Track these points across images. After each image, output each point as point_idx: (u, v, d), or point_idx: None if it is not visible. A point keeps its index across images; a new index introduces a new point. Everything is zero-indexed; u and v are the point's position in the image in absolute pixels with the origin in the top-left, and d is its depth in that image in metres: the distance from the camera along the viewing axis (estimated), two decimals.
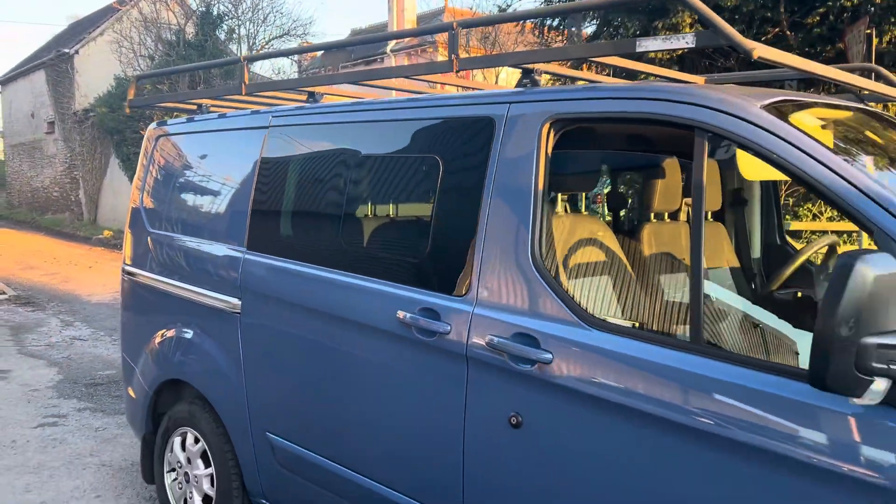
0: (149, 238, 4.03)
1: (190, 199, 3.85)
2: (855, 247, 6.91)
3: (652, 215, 3.23)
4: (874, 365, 1.63)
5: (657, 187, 3.04)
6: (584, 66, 7.59)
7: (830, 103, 2.62)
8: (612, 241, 2.85)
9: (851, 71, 3.44)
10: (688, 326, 2.11)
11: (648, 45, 2.26)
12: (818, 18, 8.44)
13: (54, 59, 23.81)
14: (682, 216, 3.36)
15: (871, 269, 1.60)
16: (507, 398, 2.39)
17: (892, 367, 1.64)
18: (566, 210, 2.93)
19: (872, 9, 7.93)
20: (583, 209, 3.04)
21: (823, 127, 2.29)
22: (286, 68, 26.79)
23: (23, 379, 6.74)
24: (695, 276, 2.09)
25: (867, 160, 2.24)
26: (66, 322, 9.43)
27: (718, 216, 3.67)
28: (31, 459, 4.82)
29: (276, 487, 3.29)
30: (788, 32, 8.65)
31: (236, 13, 19.86)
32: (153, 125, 4.27)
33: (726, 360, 1.98)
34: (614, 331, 2.22)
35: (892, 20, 8.24)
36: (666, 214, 3.30)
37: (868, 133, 2.58)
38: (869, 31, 7.56)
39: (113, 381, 6.66)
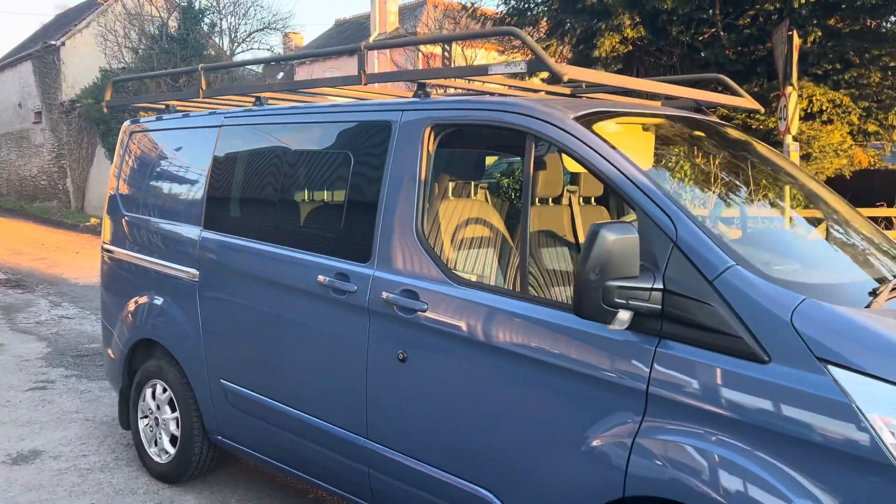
0: (124, 220, 4.71)
1: (158, 186, 4.54)
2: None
3: (537, 200, 3.94)
4: (616, 300, 2.35)
5: (540, 178, 3.74)
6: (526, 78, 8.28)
7: (642, 112, 3.31)
8: (493, 220, 3.56)
9: (705, 81, 4.14)
10: (518, 282, 2.83)
11: (496, 69, 2.97)
12: (749, 20, 9.15)
13: (41, 51, 24.30)
14: (565, 201, 4.07)
15: (611, 234, 2.31)
16: (396, 340, 3.10)
17: (631, 302, 2.36)
18: (454, 195, 3.63)
19: (796, 13, 8.63)
20: (472, 195, 3.71)
21: (620, 133, 2.99)
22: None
23: (15, 351, 7.41)
24: (522, 245, 2.80)
25: (645, 157, 2.96)
26: (54, 303, 10.08)
27: (603, 201, 4.37)
28: (23, 416, 5.50)
29: (229, 424, 3.99)
30: (722, 33, 9.36)
31: (218, 7, 20.47)
32: (127, 122, 4.94)
33: (535, 301, 2.71)
34: (471, 286, 2.93)
35: (815, 23, 8.96)
36: (550, 199, 4.01)
37: (662, 136, 3.30)
38: (790, 32, 8.28)
39: (97, 353, 7.33)
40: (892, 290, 2.56)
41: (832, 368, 2.14)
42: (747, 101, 4.00)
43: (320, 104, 3.82)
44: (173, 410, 4.33)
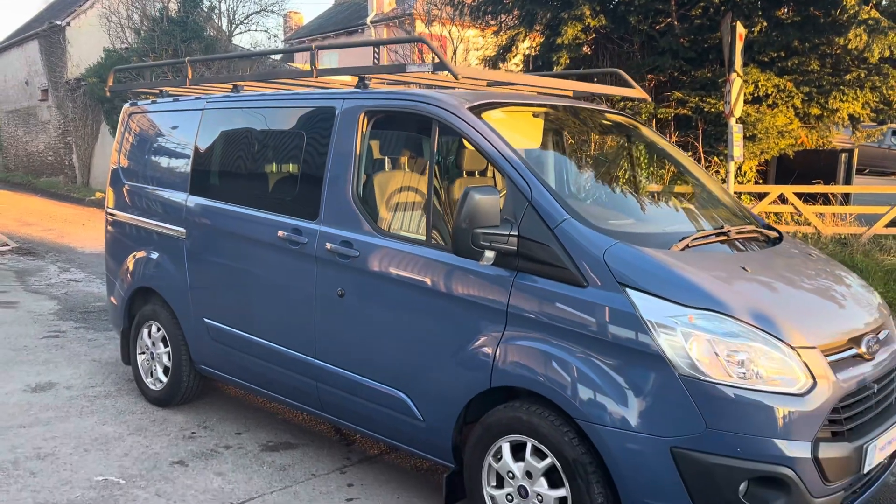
0: (124, 188, 5.57)
1: (153, 159, 5.39)
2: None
3: (464, 172, 4.77)
4: (482, 243, 3.21)
5: (464, 154, 4.57)
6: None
7: (530, 102, 4.15)
8: (419, 187, 4.39)
9: (602, 75, 4.96)
10: (426, 232, 3.68)
11: (410, 68, 3.79)
12: (700, 10, 9.94)
13: (47, 31, 25.06)
14: (489, 174, 4.90)
15: (477, 194, 3.17)
16: (336, 280, 3.96)
17: (493, 244, 3.22)
18: (390, 167, 4.47)
19: (742, 5, 9.41)
20: (406, 168, 4.54)
21: (508, 119, 3.83)
22: (264, 41, 28.04)
23: (29, 308, 8.31)
24: (427, 204, 3.66)
25: (521, 139, 3.80)
26: (62, 268, 10.98)
27: None
28: (40, 357, 6.40)
29: (211, 355, 4.87)
30: (676, 23, 10.15)
31: None
32: (127, 104, 5.79)
33: (434, 247, 3.57)
34: (391, 237, 3.79)
35: (760, 13, 9.74)
36: (477, 172, 4.84)
37: (549, 120, 4.13)
38: (734, 23, 9.06)
39: (103, 310, 8.22)
40: (696, 239, 3.40)
41: (628, 290, 3.01)
42: (637, 92, 4.81)
43: (282, 92, 4.67)
44: (165, 346, 5.21)
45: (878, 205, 10.26)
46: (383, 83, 5.02)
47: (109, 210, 5.75)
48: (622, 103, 9.72)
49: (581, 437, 3.09)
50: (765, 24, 9.79)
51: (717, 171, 10.37)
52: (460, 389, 3.46)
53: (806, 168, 11.21)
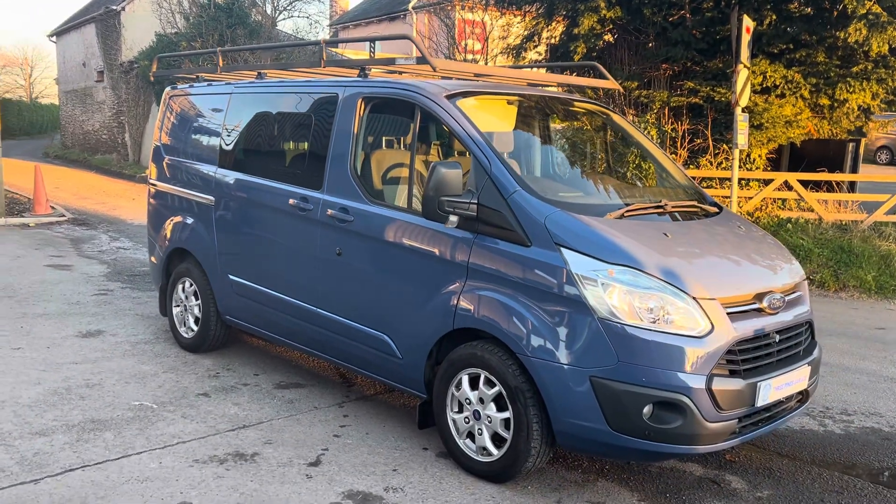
0: (164, 162, 6.36)
1: (188, 136, 6.16)
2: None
3: (442, 151, 5.40)
4: (447, 209, 3.88)
5: (443, 135, 5.22)
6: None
7: (502, 91, 4.77)
8: (406, 163, 5.03)
9: (581, 67, 5.53)
10: (408, 201, 4.36)
11: (399, 62, 4.45)
12: (711, 3, 10.36)
13: (103, 15, 26.28)
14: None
15: (444, 168, 3.83)
16: (335, 241, 4.67)
17: (456, 210, 3.88)
18: (383, 146, 5.14)
19: None
20: (395, 147, 5.16)
21: (482, 107, 4.47)
22: (305, 27, 28.77)
23: (82, 270, 9.23)
24: (409, 178, 4.33)
25: (494, 123, 4.44)
26: (113, 237, 11.95)
27: None
28: (90, 310, 7.27)
29: (234, 306, 5.64)
30: (689, 15, 10.59)
31: None
32: (168, 88, 6.57)
33: (413, 213, 4.24)
34: (381, 205, 4.47)
35: (769, 6, 10.13)
36: (457, 152, 5.47)
37: (522, 107, 4.76)
38: (741, 16, 9.49)
39: (146, 274, 9.09)
40: (631, 210, 4.02)
41: (562, 249, 3.65)
42: (611, 84, 5.39)
43: (296, 80, 5.39)
44: (196, 299, 5.99)
45: (884, 193, 10.60)
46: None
47: (151, 181, 6.55)
48: (637, 91, 10.22)
49: (522, 369, 3.75)
50: (774, 16, 10.17)
51: (727, 158, 10.82)
52: (430, 331, 4.14)
53: (817, 157, 11.58)
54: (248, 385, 5.34)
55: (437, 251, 4.10)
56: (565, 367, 3.60)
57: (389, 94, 4.56)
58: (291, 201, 4.94)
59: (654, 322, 3.52)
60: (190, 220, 5.98)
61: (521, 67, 6.41)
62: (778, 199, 10.75)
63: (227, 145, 5.67)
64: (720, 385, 3.53)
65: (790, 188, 10.49)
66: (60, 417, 4.62)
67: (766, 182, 10.63)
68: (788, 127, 10.57)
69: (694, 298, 3.56)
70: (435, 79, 4.73)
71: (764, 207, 10.69)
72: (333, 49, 22.72)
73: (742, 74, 9.66)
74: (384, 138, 4.98)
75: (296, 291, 5.01)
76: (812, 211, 10.39)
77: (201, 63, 16.79)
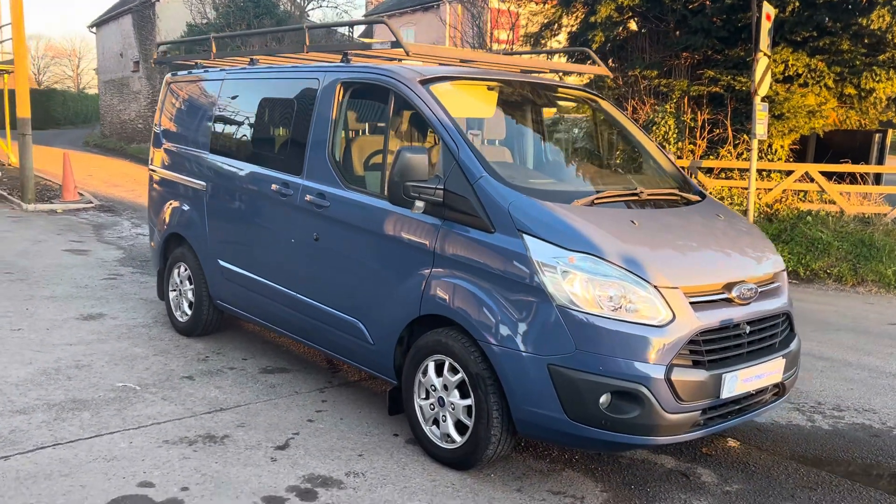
0: (163, 149, 6.43)
1: (184, 122, 6.22)
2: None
3: (415, 136, 5.33)
4: (412, 194, 3.85)
5: (417, 120, 5.14)
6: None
7: (480, 78, 4.71)
8: (384, 149, 5.01)
9: (571, 53, 5.44)
10: (381, 186, 4.34)
11: (375, 46, 4.42)
12: None
13: (139, 6, 26.73)
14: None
15: (409, 153, 3.80)
16: (313, 226, 4.67)
17: (422, 195, 3.85)
18: (360, 132, 5.12)
19: None
20: (372, 133, 5.10)
21: (459, 92, 4.41)
22: (333, 17, 28.92)
23: (98, 255, 9.41)
24: (383, 164, 4.31)
25: (470, 109, 4.38)
26: (135, 224, 12.16)
27: None
28: (97, 294, 7.40)
29: (224, 291, 5.68)
30: (708, 3, 10.36)
31: None
32: (168, 74, 6.63)
33: (385, 199, 4.21)
34: (355, 190, 4.46)
35: None
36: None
37: (502, 93, 4.69)
38: (761, 3, 9.25)
39: None
40: (601, 197, 3.94)
41: (524, 235, 3.60)
42: (601, 69, 5.29)
43: (281, 65, 5.39)
44: (191, 284, 6.05)
45: None
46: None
47: (151, 167, 6.63)
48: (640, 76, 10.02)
49: (483, 357, 3.71)
50: (797, 3, 9.90)
51: (747, 149, 10.58)
52: (399, 317, 4.12)
53: (843, 148, 11.26)
54: (234, 369, 5.39)
55: (405, 237, 4.07)
56: (524, 354, 3.55)
57: (366, 79, 4.53)
58: (274, 186, 4.95)
59: (614, 310, 3.45)
60: (185, 206, 6.04)
61: (510, 54, 6.34)
62: (800, 191, 10.48)
63: (217, 131, 5.70)
64: (681, 375, 3.45)
65: (812, 180, 10.22)
66: (44, 396, 4.71)
67: (788, 173, 10.38)
68: (811, 117, 10.29)
69: (655, 287, 3.48)
70: (432, 64, 4.70)
71: (784, 199, 10.44)
72: (360, 38, 22.78)
73: (762, 63, 9.42)
74: (363, 124, 4.96)
75: (278, 277, 5.03)
76: (834, 203, 10.11)
77: (223, 48, 17.01)
